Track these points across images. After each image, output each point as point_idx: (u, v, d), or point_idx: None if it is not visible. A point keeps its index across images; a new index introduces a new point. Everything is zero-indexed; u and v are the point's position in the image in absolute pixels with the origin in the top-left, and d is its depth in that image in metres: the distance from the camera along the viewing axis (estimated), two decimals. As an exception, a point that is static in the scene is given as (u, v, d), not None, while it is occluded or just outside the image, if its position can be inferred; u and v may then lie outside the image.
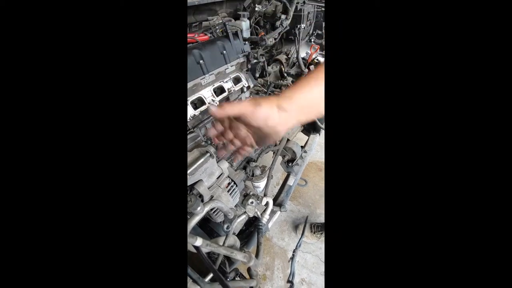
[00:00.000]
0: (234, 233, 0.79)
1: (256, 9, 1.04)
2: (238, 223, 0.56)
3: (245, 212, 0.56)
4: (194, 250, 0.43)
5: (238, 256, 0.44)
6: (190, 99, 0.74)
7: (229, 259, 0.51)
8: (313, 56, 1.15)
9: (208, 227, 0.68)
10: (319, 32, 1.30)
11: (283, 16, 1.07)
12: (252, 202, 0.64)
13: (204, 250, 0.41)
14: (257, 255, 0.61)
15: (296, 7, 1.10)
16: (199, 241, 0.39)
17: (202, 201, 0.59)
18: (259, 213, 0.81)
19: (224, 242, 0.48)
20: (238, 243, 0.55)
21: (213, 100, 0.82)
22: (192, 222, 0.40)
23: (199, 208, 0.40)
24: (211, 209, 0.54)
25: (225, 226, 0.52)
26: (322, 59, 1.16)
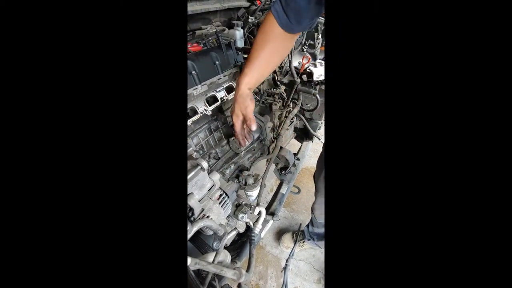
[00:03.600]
0: (226, 244, 0.78)
1: (250, 20, 1.06)
2: (229, 238, 0.55)
3: (235, 228, 0.55)
4: (182, 268, 0.42)
5: (228, 273, 0.44)
6: (182, 109, 0.74)
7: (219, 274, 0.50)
8: (305, 66, 1.17)
9: (199, 240, 0.67)
10: (311, 42, 1.33)
11: (276, 27, 1.09)
12: (243, 217, 0.64)
13: (193, 268, 0.41)
14: (248, 268, 0.60)
15: (289, 18, 1.12)
16: (188, 261, 0.38)
17: (193, 214, 0.58)
18: (251, 223, 0.80)
19: (213, 260, 0.47)
20: (228, 258, 0.54)
21: (205, 110, 0.82)
22: None
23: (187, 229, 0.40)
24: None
25: (215, 243, 0.51)
26: (313, 69, 1.18)
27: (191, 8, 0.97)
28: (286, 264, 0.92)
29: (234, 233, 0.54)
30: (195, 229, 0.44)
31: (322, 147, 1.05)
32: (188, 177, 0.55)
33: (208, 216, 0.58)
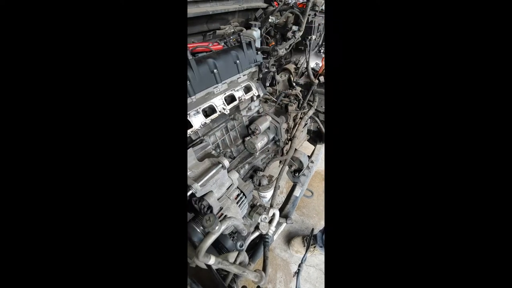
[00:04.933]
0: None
1: (270, 20, 1.06)
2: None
3: (258, 229, 0.54)
4: (205, 267, 0.41)
5: (250, 275, 0.43)
6: (201, 107, 0.74)
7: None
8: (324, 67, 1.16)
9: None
10: (329, 43, 1.31)
11: (294, 27, 1.08)
12: (265, 218, 0.63)
13: (215, 267, 0.40)
14: (264, 270, 0.58)
15: (308, 18, 1.11)
16: (212, 260, 0.37)
17: (211, 212, 0.57)
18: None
19: (235, 260, 0.46)
20: (247, 259, 0.53)
21: (224, 109, 0.82)
22: (209, 242, 0.39)
23: (217, 228, 0.39)
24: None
25: (239, 243, 0.51)
26: (331, 70, 1.16)
27: (212, 8, 0.99)
28: (298, 269, 0.90)
29: (257, 234, 0.53)
30: (223, 227, 0.43)
31: None
32: (209, 175, 0.54)
33: (226, 215, 0.57)
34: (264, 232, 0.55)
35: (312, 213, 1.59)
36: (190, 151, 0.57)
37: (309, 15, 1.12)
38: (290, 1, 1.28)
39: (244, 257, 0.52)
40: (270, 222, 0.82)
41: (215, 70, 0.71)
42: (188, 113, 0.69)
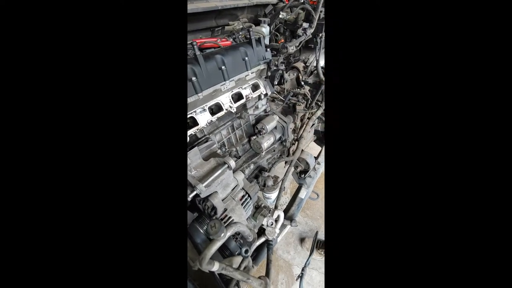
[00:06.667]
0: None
1: (281, 16, 1.02)
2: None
3: (265, 234, 0.52)
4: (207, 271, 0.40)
5: (255, 283, 0.41)
6: (208, 104, 0.72)
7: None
8: (333, 66, 1.12)
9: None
10: (341, 41, 1.27)
11: (305, 24, 1.04)
12: (272, 224, 0.61)
13: (218, 272, 0.38)
14: (267, 274, 0.57)
15: (320, 15, 1.07)
16: (215, 266, 0.36)
17: (215, 213, 0.56)
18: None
19: (240, 266, 0.45)
20: (250, 263, 0.52)
21: (230, 107, 0.80)
22: (213, 249, 0.38)
23: (222, 235, 0.37)
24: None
25: (244, 249, 0.49)
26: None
27: (221, 3, 0.96)
28: (302, 273, 0.88)
29: (263, 240, 0.51)
30: (229, 233, 0.42)
31: None
32: (214, 175, 0.53)
33: (230, 217, 0.56)
34: (270, 238, 0.53)
35: (316, 215, 1.56)
36: (195, 150, 0.55)
37: (321, 11, 1.08)
38: (301, -3, 1.24)
39: (248, 261, 0.50)
40: (275, 224, 0.80)
41: (223, 67, 0.69)
42: (194, 110, 0.67)
